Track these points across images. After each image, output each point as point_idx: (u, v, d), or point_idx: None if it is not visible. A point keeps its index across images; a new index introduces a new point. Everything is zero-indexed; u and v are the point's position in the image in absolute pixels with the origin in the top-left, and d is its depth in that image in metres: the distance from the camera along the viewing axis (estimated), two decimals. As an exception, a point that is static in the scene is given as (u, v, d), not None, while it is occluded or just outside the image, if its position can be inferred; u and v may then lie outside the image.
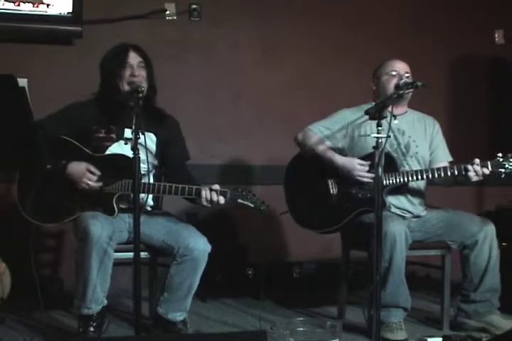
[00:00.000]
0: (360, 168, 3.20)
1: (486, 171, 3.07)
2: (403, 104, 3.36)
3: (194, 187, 2.90)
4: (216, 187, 2.88)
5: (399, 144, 3.31)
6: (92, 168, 2.93)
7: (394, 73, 3.28)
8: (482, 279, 3.16)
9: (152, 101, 3.09)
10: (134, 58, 3.02)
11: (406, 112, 3.41)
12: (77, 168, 2.93)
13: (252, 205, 2.91)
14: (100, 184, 2.93)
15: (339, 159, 3.25)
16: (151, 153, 3.09)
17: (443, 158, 3.39)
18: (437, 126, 3.45)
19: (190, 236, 2.91)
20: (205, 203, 2.89)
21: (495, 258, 3.16)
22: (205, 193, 2.87)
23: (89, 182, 2.91)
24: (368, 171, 3.18)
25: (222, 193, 2.88)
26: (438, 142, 3.42)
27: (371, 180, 3.16)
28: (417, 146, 3.33)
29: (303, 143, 3.36)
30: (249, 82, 4.40)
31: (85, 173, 2.92)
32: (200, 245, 2.89)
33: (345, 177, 3.24)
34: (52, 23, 3.93)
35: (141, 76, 3.00)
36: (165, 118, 3.18)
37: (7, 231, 3.61)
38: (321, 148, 3.30)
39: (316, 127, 3.37)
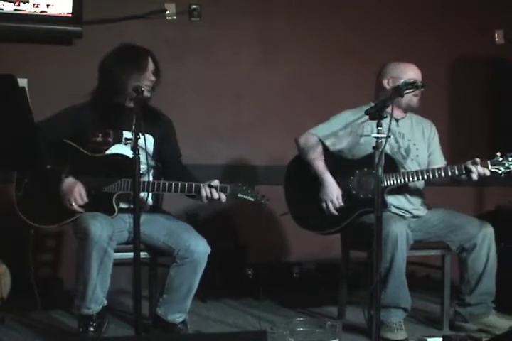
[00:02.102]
0: (334, 201, 3.22)
1: (487, 172, 3.07)
2: (401, 108, 3.33)
3: (194, 184, 2.89)
4: (216, 183, 2.88)
5: (399, 147, 3.31)
6: (83, 192, 2.92)
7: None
8: (478, 283, 3.16)
9: (147, 103, 3.09)
10: (151, 64, 3.06)
11: (405, 116, 3.40)
12: (71, 185, 2.92)
13: (252, 199, 2.90)
14: (82, 210, 2.92)
15: (328, 179, 3.25)
16: (149, 154, 3.09)
17: (439, 161, 3.39)
18: (434, 129, 3.45)
19: (191, 238, 2.91)
20: (205, 201, 2.89)
21: (492, 262, 3.16)
22: (204, 191, 2.87)
23: (73, 203, 2.90)
24: (338, 208, 3.22)
25: (222, 188, 2.88)
26: (434, 145, 3.43)
27: (329, 212, 3.22)
28: (417, 149, 3.34)
29: (300, 147, 3.35)
30: (250, 82, 4.41)
31: (76, 193, 2.91)
32: (200, 247, 2.89)
33: (345, 175, 3.26)
34: (52, 23, 3.93)
35: (152, 81, 3.03)
36: (159, 117, 3.18)
37: (7, 232, 3.61)
38: (314, 155, 3.30)
39: (317, 131, 3.36)
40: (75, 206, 2.91)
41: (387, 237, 2.94)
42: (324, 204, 3.24)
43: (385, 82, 3.35)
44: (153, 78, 3.04)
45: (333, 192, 3.23)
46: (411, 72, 3.30)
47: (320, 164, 3.29)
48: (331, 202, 3.23)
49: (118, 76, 3.00)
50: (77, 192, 2.91)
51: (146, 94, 2.97)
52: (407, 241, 3.03)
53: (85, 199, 2.92)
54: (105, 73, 3.06)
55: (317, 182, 3.28)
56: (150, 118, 3.02)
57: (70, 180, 2.93)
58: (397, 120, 3.29)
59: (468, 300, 3.20)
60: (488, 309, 3.21)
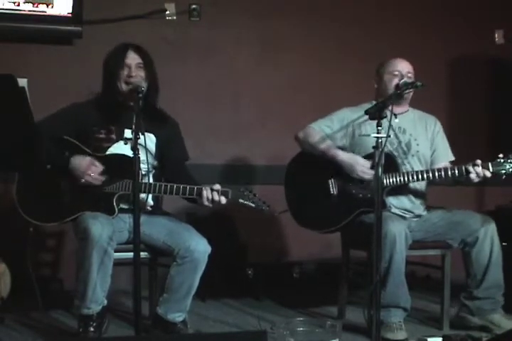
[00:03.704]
0: (362, 163, 3.19)
1: (488, 174, 3.07)
2: (404, 103, 3.36)
3: (195, 186, 2.90)
4: (217, 187, 2.88)
5: (400, 143, 3.31)
6: (96, 162, 2.95)
7: (396, 73, 3.28)
8: (484, 276, 3.16)
9: (153, 102, 3.09)
10: (132, 59, 3.02)
11: (407, 111, 3.41)
12: (81, 160, 2.94)
13: (253, 205, 2.90)
14: (103, 178, 2.93)
15: (342, 154, 3.25)
16: (151, 153, 3.09)
17: (444, 158, 3.39)
18: (438, 125, 3.45)
19: (191, 238, 2.91)
20: (206, 203, 2.89)
21: (496, 254, 3.16)
22: (206, 193, 2.87)
23: (92, 174, 2.92)
24: (371, 168, 3.18)
25: (224, 193, 2.88)
26: (439, 141, 3.42)
27: (371, 177, 3.15)
28: (418, 145, 3.33)
29: (304, 140, 3.35)
30: (249, 82, 4.41)
31: (89, 166, 2.93)
32: (200, 247, 2.89)
33: (346, 174, 3.24)
34: (52, 23, 3.93)
35: (138, 76, 3.00)
36: (165, 119, 3.18)
37: (7, 231, 3.61)
38: (324, 145, 3.30)
39: (317, 125, 3.37)
40: (95, 176, 2.92)
41: (385, 237, 2.93)
42: (359, 175, 3.19)
43: (373, 81, 3.41)
44: (140, 73, 3.01)
45: (358, 162, 3.20)
46: (392, 66, 3.31)
47: (332, 150, 3.27)
48: (362, 168, 3.19)
49: (107, 75, 3.05)
50: (91, 164, 2.93)
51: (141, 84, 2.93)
52: (405, 241, 3.03)
53: (101, 167, 2.94)
54: (102, 73, 3.09)
55: (317, 181, 3.29)
56: (154, 119, 3.02)
57: (77, 156, 2.94)
58: (395, 115, 3.28)
59: (476, 293, 3.19)
60: (497, 305, 3.20)
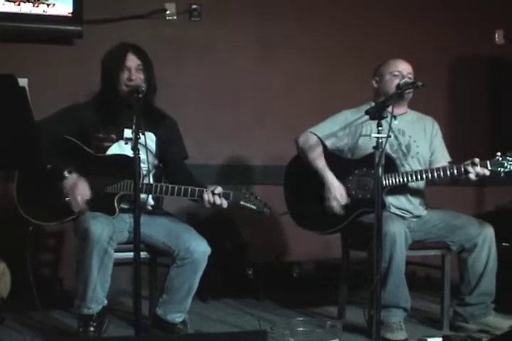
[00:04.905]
0: (339, 199, 3.20)
1: (487, 172, 3.08)
2: (403, 104, 3.36)
3: (197, 188, 2.89)
4: (219, 190, 2.88)
5: (399, 144, 3.31)
6: (87, 188, 2.92)
7: (397, 73, 3.28)
8: (478, 283, 3.16)
9: (151, 101, 3.08)
10: (132, 61, 3.02)
11: (406, 112, 3.41)
12: (75, 182, 2.92)
13: (254, 207, 2.90)
14: (86, 207, 2.91)
15: (330, 177, 3.25)
16: (151, 152, 3.09)
17: (442, 159, 3.39)
18: (436, 127, 3.45)
19: (191, 239, 2.91)
20: (207, 206, 2.89)
21: (492, 263, 3.16)
22: (207, 197, 2.87)
23: (79, 198, 2.91)
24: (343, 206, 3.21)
25: (225, 195, 2.88)
26: (437, 143, 3.42)
27: (335, 212, 3.20)
28: (417, 146, 3.33)
29: (301, 147, 3.35)
30: (249, 82, 4.40)
31: (80, 190, 2.91)
32: (200, 248, 2.89)
33: (345, 176, 3.25)
34: (52, 23, 3.93)
35: (138, 79, 2.99)
36: (164, 118, 3.18)
37: (7, 231, 3.61)
38: (314, 154, 3.30)
39: (316, 129, 3.37)
40: (80, 202, 2.91)
41: (385, 237, 2.93)
42: (329, 203, 3.23)
43: (373, 82, 3.40)
44: (139, 75, 3.00)
45: (336, 190, 3.22)
46: (393, 66, 3.31)
47: (321, 163, 3.29)
48: (335, 199, 3.22)
49: (106, 77, 3.04)
50: (81, 189, 2.92)
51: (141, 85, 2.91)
52: (405, 241, 3.03)
53: (89, 196, 2.93)
54: (100, 73, 3.09)
55: (316, 182, 3.28)
56: (153, 118, 3.02)
57: (73, 177, 2.93)
58: (395, 116, 3.28)
59: (467, 300, 3.20)
60: (488, 309, 3.21)
